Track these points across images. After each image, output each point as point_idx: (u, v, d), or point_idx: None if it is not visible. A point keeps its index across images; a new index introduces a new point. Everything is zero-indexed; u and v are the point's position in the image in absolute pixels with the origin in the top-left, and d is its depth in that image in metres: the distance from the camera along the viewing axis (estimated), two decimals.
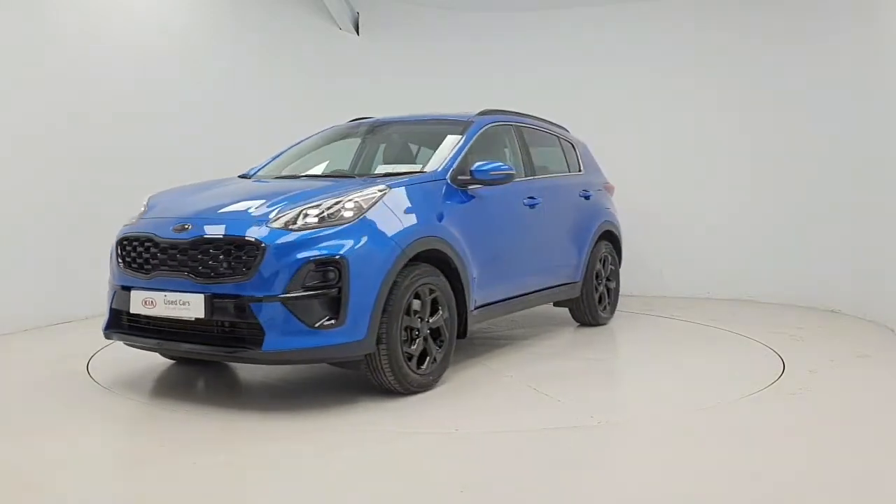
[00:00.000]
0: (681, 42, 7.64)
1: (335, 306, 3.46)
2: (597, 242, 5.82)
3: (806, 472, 2.89)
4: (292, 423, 3.42)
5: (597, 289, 5.83)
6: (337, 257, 3.47)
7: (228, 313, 3.48)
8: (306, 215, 3.59)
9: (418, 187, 4.07)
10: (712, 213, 7.51)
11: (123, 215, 4.89)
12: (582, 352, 5.06)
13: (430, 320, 3.93)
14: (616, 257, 6.19)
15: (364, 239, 3.59)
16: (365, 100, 7.94)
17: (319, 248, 3.47)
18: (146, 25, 6.61)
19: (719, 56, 7.46)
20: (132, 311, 3.75)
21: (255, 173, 4.99)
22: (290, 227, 3.53)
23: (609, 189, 6.32)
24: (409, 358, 3.78)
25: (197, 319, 3.53)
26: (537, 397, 3.87)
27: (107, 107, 6.23)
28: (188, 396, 3.92)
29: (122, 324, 3.90)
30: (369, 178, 4.30)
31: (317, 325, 3.44)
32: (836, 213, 6.59)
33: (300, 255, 3.44)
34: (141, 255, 3.76)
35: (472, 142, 4.62)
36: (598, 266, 5.85)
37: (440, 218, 4.08)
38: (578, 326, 5.85)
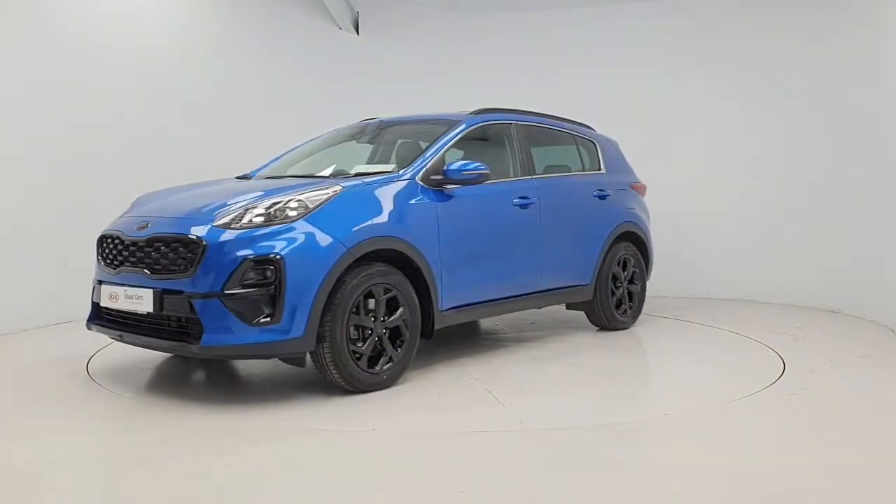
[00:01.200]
0: (681, 42, 7.64)
1: (272, 304, 3.55)
2: (614, 244, 5.59)
3: (806, 472, 2.88)
4: (293, 422, 3.42)
5: (613, 292, 5.60)
6: (274, 256, 3.56)
7: (174, 308, 3.63)
8: (252, 214, 3.69)
9: (379, 188, 4.09)
10: (712, 213, 7.50)
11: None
12: (577, 356, 5.00)
13: (387, 320, 3.94)
14: (642, 260, 5.92)
15: (304, 238, 3.66)
16: (365, 100, 7.94)
17: (257, 247, 3.57)
18: (146, 25, 6.61)
19: (719, 56, 7.46)
20: (102, 304, 4.00)
21: (255, 174, 5.00)
22: (233, 225, 3.64)
23: (639, 189, 6.09)
24: (359, 357, 3.80)
25: (148, 313, 3.72)
26: (486, 401, 3.77)
27: (107, 107, 6.23)
28: (188, 396, 3.92)
29: (101, 316, 4.11)
30: (345, 178, 4.29)
31: (254, 322, 3.53)
32: (837, 213, 6.59)
33: (238, 254, 3.55)
34: (111, 251, 3.99)
35: (451, 142, 4.58)
36: (616, 268, 5.61)
37: (401, 218, 4.07)
38: (598, 330, 5.68)
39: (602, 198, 5.58)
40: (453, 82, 8.07)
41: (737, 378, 4.30)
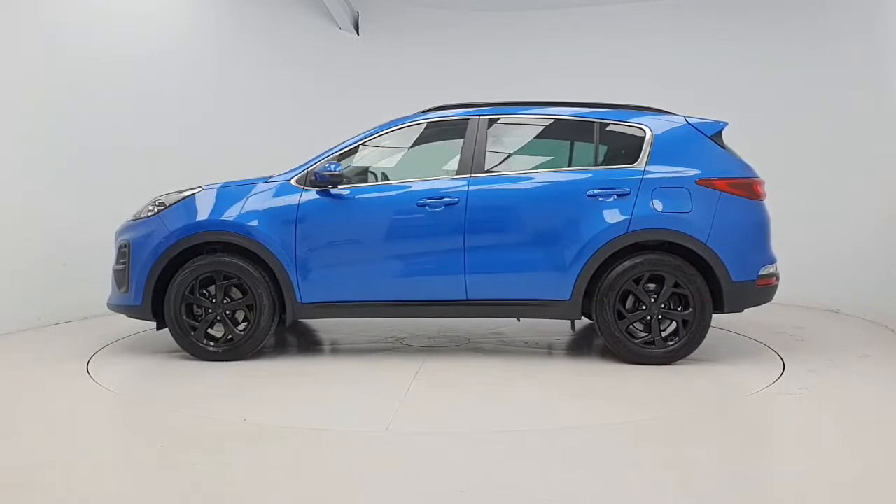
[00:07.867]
0: (680, 42, 7.65)
1: (128, 278, 4.61)
2: (621, 254, 4.54)
3: (806, 472, 2.88)
4: (292, 422, 3.42)
5: (622, 315, 4.53)
6: (127, 242, 4.66)
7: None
8: (146, 210, 4.71)
9: (236, 189, 4.68)
10: None
11: (122, 215, 5.01)
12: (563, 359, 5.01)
13: (228, 303, 4.59)
14: (695, 277, 4.51)
15: (150, 229, 4.61)
16: (365, 100, 7.93)
17: (125, 235, 4.72)
18: (146, 26, 6.61)
19: (719, 56, 7.47)
20: None
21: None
22: (131, 218, 4.78)
23: (719, 185, 4.64)
24: (194, 329, 4.58)
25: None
26: (282, 396, 3.84)
27: (107, 107, 6.24)
28: (188, 397, 3.91)
29: None
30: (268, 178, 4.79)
31: (120, 290, 4.68)
32: (837, 213, 6.60)
33: (120, 238, 4.77)
34: None
35: (349, 146, 4.76)
36: (628, 285, 4.51)
37: (248, 215, 4.57)
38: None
39: (605, 198, 4.54)
40: (453, 82, 8.08)
41: (737, 378, 4.30)
